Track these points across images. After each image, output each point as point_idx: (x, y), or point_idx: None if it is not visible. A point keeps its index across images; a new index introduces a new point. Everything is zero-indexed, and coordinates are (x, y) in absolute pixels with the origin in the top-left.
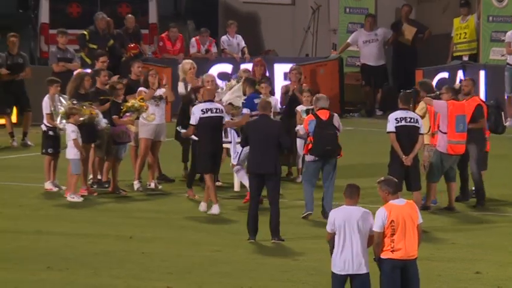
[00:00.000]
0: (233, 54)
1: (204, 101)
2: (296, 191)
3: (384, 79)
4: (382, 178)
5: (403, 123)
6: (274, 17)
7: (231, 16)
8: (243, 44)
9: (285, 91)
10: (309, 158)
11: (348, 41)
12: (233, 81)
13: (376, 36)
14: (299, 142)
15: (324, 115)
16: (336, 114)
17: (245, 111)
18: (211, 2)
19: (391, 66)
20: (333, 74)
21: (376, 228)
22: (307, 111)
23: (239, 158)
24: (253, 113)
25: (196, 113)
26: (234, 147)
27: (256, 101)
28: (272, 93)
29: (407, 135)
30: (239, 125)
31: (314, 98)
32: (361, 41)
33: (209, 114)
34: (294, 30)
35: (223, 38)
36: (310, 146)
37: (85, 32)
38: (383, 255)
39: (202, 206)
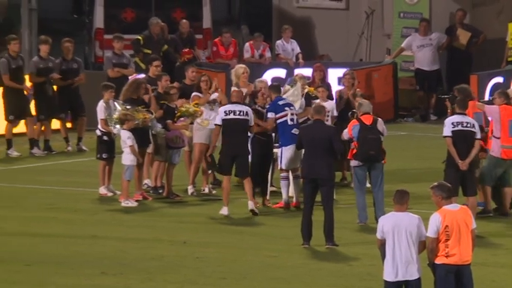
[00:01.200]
0: (287, 59)
1: (231, 103)
2: (350, 196)
3: (438, 84)
4: (436, 183)
5: (459, 127)
6: (328, 22)
7: (285, 21)
8: (298, 49)
9: (339, 96)
10: (353, 163)
11: (402, 45)
12: (287, 86)
13: (430, 41)
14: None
15: (367, 120)
16: (379, 119)
17: (270, 115)
18: (265, 7)
19: (446, 71)
20: (387, 78)
21: (431, 233)
22: (351, 114)
23: (281, 161)
24: (278, 115)
25: (220, 113)
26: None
27: (280, 102)
28: (330, 97)
29: (464, 139)
30: (265, 128)
31: (357, 103)
32: (415, 45)
33: (231, 116)
34: (348, 35)
35: (278, 42)
36: (354, 151)
37: (139, 38)
38: (437, 261)
39: (224, 210)
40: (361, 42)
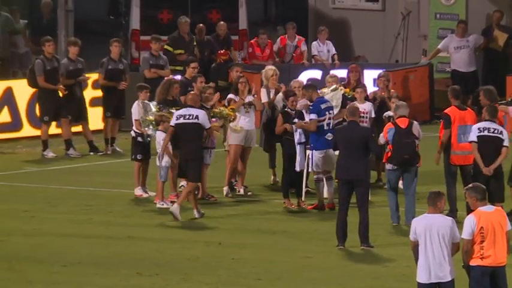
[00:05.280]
0: (323, 61)
1: (186, 106)
2: (385, 198)
3: (475, 85)
4: (470, 185)
5: (485, 133)
6: (364, 23)
7: (321, 22)
8: (333, 50)
9: (373, 97)
10: (388, 166)
11: (439, 47)
12: (324, 90)
13: (467, 43)
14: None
15: (403, 123)
16: (415, 122)
17: (312, 116)
18: (301, 8)
19: (482, 73)
20: (423, 80)
21: (465, 235)
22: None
23: (312, 163)
24: (321, 118)
25: (173, 116)
26: (299, 152)
27: (322, 106)
28: (367, 99)
29: (490, 146)
30: (308, 129)
31: (394, 105)
32: (452, 47)
33: (181, 120)
34: (384, 36)
35: (314, 43)
36: (389, 154)
37: (166, 47)
38: (472, 263)
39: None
40: (397, 44)
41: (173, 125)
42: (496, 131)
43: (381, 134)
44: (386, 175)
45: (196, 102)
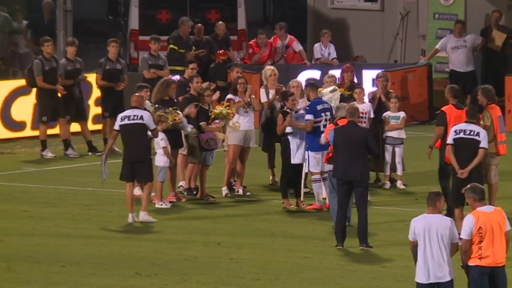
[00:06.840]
0: (326, 62)
1: (130, 108)
2: (384, 198)
3: (473, 85)
4: (468, 186)
5: (461, 135)
6: (363, 23)
7: (320, 22)
8: (334, 54)
9: (372, 97)
10: (328, 167)
11: (437, 47)
12: (322, 90)
13: (464, 43)
14: (387, 148)
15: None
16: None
17: (308, 117)
18: (300, 8)
19: (481, 72)
20: (421, 80)
21: (464, 235)
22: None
23: (309, 164)
24: (317, 119)
25: (117, 119)
26: (292, 143)
27: (319, 107)
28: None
29: (465, 147)
30: (303, 130)
31: (335, 107)
32: (450, 47)
33: (126, 121)
34: (382, 36)
35: (316, 46)
36: (330, 155)
37: (172, 47)
38: (471, 263)
39: (130, 218)
40: (396, 44)
41: (117, 128)
42: (472, 133)
43: (322, 135)
44: (328, 176)
45: (140, 103)
